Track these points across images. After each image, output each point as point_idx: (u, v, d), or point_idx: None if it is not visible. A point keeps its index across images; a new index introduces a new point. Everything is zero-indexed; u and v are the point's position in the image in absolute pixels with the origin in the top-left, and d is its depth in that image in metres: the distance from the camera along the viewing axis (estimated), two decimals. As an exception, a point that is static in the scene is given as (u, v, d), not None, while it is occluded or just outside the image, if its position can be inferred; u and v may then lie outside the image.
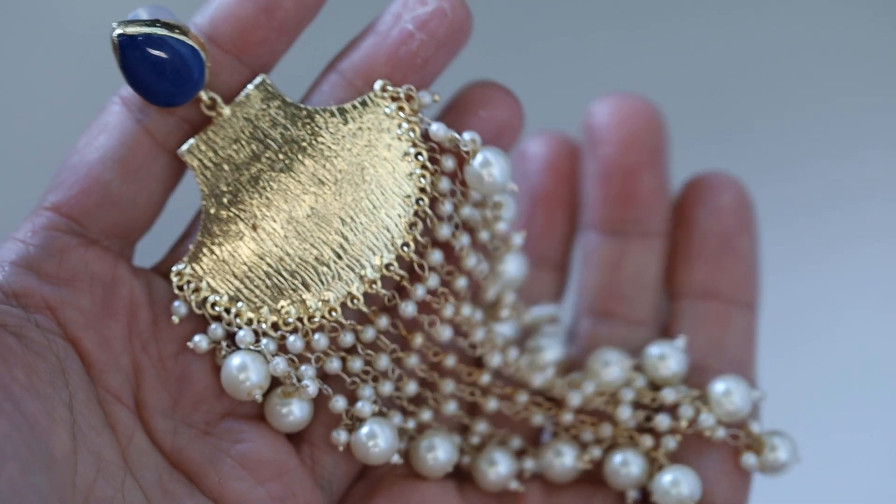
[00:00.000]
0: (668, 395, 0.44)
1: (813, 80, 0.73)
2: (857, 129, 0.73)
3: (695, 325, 0.46)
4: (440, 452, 0.43)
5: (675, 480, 0.44)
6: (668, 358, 0.45)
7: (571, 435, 0.45)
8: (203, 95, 0.41)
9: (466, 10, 0.41)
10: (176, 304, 0.41)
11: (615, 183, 0.45)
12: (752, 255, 0.46)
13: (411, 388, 0.43)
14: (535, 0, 0.73)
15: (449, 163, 0.41)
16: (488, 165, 0.41)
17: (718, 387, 0.44)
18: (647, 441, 0.45)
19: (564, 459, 0.44)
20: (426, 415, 0.43)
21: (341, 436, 0.42)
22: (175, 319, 0.41)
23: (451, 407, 0.44)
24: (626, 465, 0.45)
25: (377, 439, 0.41)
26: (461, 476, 0.45)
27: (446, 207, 0.41)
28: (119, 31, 0.39)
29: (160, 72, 0.39)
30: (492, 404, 0.44)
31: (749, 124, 0.73)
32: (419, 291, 0.41)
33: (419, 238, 0.41)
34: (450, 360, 0.43)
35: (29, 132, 0.66)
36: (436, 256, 0.41)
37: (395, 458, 0.42)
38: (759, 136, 0.73)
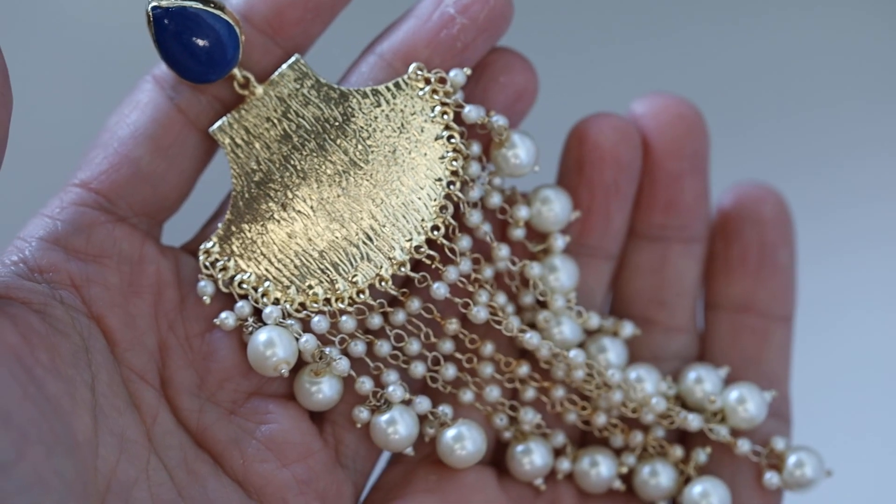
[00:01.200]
0: (694, 422, 0.43)
1: (820, 84, 0.73)
2: (864, 131, 0.72)
3: (732, 337, 0.45)
4: (468, 443, 0.42)
5: (705, 492, 0.43)
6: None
7: (602, 437, 0.44)
8: (237, 73, 0.41)
9: None
10: (201, 283, 0.40)
11: (659, 188, 0.44)
12: (791, 268, 0.46)
13: (450, 371, 0.42)
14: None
15: (475, 148, 0.41)
16: (514, 147, 0.42)
17: (732, 395, 0.43)
18: (678, 452, 0.44)
19: (600, 469, 0.43)
20: (468, 395, 0.43)
21: (363, 413, 0.41)
22: (206, 300, 0.40)
23: (493, 392, 0.43)
24: (656, 475, 0.44)
25: (397, 426, 0.41)
26: (500, 466, 0.44)
27: (475, 192, 0.41)
28: (154, 3, 0.39)
29: (194, 46, 0.39)
30: (529, 393, 0.43)
31: (756, 127, 0.72)
32: (452, 274, 0.41)
33: (450, 221, 0.41)
34: (487, 348, 0.43)
35: (58, 115, 0.66)
36: (465, 242, 0.41)
37: (409, 451, 0.41)
38: (767, 139, 0.72)
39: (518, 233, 0.43)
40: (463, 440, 0.41)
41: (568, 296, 0.43)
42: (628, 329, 0.44)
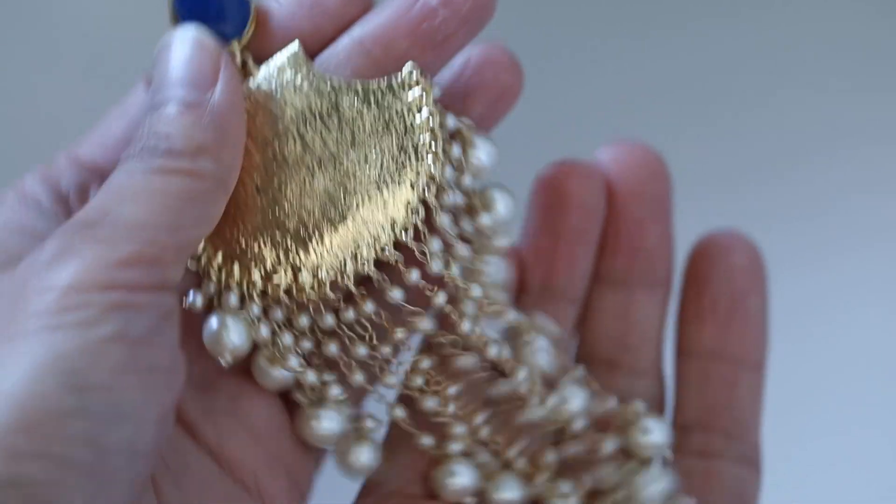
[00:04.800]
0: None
1: (809, 76, 0.73)
2: (852, 126, 0.73)
3: (702, 385, 0.46)
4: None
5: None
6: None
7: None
8: (236, 52, 0.41)
9: None
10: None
11: (623, 233, 0.45)
12: (762, 315, 0.46)
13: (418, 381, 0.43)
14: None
15: (455, 150, 0.41)
16: (475, 149, 0.41)
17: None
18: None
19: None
20: (398, 411, 0.43)
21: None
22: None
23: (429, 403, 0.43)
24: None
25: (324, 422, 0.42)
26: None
27: (449, 197, 0.41)
28: None
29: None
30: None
31: (743, 122, 0.73)
32: (413, 276, 0.41)
33: (419, 224, 0.41)
34: (425, 363, 0.43)
35: (45, 128, 0.66)
36: (434, 245, 0.41)
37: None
38: (752, 135, 0.72)
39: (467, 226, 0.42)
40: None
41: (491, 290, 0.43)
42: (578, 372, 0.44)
